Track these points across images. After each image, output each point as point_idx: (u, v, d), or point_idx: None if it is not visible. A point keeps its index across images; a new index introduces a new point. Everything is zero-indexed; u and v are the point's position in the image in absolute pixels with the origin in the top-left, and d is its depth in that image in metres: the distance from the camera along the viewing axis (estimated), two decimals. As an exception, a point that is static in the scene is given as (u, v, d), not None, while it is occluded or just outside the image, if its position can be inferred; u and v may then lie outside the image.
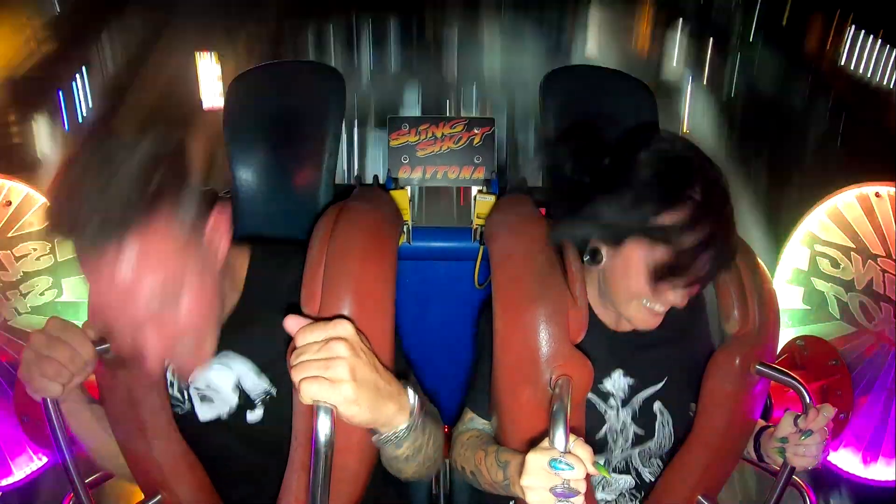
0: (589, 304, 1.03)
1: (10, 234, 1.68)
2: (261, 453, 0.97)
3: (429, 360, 1.25)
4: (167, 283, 0.77)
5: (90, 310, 0.93)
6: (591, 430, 1.03)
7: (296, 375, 0.70)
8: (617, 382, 1.06)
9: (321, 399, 0.69)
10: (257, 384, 0.95)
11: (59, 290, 1.72)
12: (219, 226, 0.85)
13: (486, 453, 0.96)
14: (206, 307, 0.84)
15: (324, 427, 0.69)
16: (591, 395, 1.04)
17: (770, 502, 1.02)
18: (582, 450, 0.73)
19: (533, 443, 0.75)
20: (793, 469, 0.99)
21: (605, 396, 1.06)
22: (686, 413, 1.09)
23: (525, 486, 0.73)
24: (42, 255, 1.70)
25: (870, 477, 1.64)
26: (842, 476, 1.66)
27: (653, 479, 1.08)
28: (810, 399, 0.97)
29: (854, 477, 1.65)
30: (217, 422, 0.97)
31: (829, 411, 0.94)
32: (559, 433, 0.73)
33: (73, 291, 1.72)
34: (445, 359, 1.40)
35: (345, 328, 0.72)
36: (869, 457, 1.64)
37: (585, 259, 0.97)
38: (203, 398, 0.97)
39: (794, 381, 0.99)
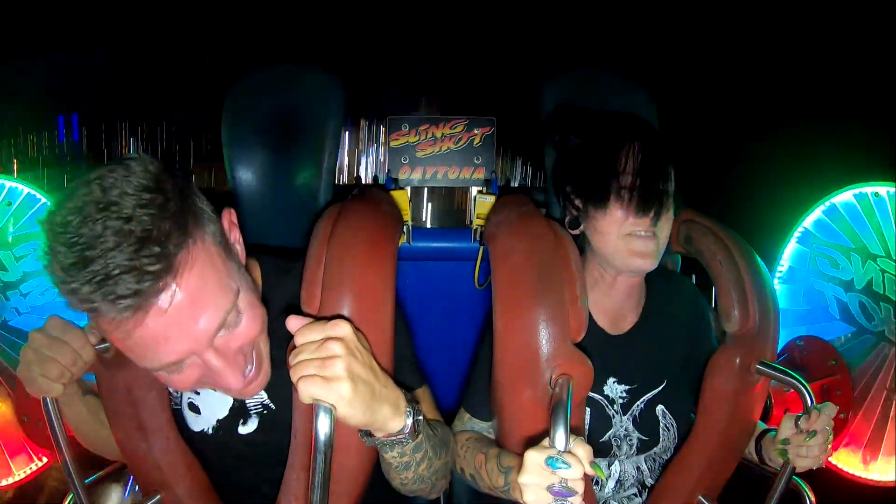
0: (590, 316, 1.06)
1: (10, 235, 1.69)
2: (249, 468, 0.96)
3: (428, 359, 1.25)
4: (231, 300, 0.72)
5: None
6: (596, 432, 1.04)
7: (294, 374, 0.70)
8: (612, 389, 1.07)
9: (318, 397, 0.69)
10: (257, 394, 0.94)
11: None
12: (233, 228, 0.80)
13: (486, 457, 0.96)
14: (260, 317, 0.78)
15: (323, 426, 0.69)
16: (598, 397, 1.05)
17: (770, 502, 1.02)
18: (581, 449, 0.72)
19: (533, 442, 0.75)
20: (793, 469, 0.99)
21: (609, 401, 1.06)
22: (689, 416, 1.09)
23: (522, 484, 0.72)
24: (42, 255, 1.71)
25: (870, 477, 1.64)
26: (842, 476, 1.65)
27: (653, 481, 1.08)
28: (812, 398, 0.97)
29: (854, 477, 1.65)
30: (202, 434, 0.96)
31: (831, 410, 0.94)
32: (559, 433, 0.73)
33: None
34: (445, 359, 1.39)
35: (342, 328, 0.72)
36: (869, 457, 1.64)
37: (569, 227, 1.07)
38: (191, 406, 0.96)
39: (795, 381, 0.99)
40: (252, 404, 0.94)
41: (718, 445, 1.04)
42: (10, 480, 1.69)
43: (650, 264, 1.01)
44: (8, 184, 1.69)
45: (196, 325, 0.69)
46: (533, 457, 0.72)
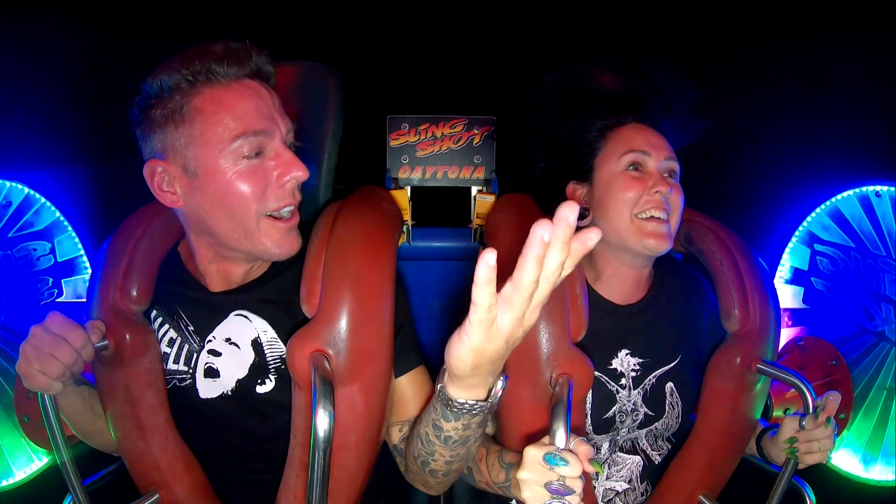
0: (596, 292, 1.06)
1: (10, 234, 1.69)
2: (265, 427, 0.95)
3: (427, 360, 1.24)
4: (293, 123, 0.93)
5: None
6: (600, 409, 1.02)
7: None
8: (624, 362, 1.05)
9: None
10: (275, 344, 0.94)
11: (58, 290, 1.72)
12: None
13: (487, 451, 0.96)
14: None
15: (322, 425, 0.69)
16: (599, 374, 1.03)
17: (771, 502, 1.02)
18: (582, 448, 0.72)
19: (533, 441, 0.75)
20: (794, 468, 0.99)
21: (615, 376, 1.04)
22: (694, 395, 1.08)
23: (520, 480, 0.72)
24: (42, 255, 1.71)
25: (870, 477, 1.64)
26: (842, 476, 1.65)
27: (661, 461, 1.08)
28: (813, 396, 0.97)
29: (854, 477, 1.65)
30: (219, 398, 0.95)
31: (836, 398, 0.95)
32: (560, 432, 0.73)
33: (73, 291, 1.72)
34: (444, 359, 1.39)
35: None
36: (869, 457, 1.64)
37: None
38: (208, 371, 0.95)
39: (795, 380, 0.99)
40: (271, 359, 0.94)
41: (719, 445, 1.04)
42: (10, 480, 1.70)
43: (664, 245, 0.98)
44: (8, 184, 1.70)
45: (283, 114, 0.91)
46: (532, 453, 0.72)
